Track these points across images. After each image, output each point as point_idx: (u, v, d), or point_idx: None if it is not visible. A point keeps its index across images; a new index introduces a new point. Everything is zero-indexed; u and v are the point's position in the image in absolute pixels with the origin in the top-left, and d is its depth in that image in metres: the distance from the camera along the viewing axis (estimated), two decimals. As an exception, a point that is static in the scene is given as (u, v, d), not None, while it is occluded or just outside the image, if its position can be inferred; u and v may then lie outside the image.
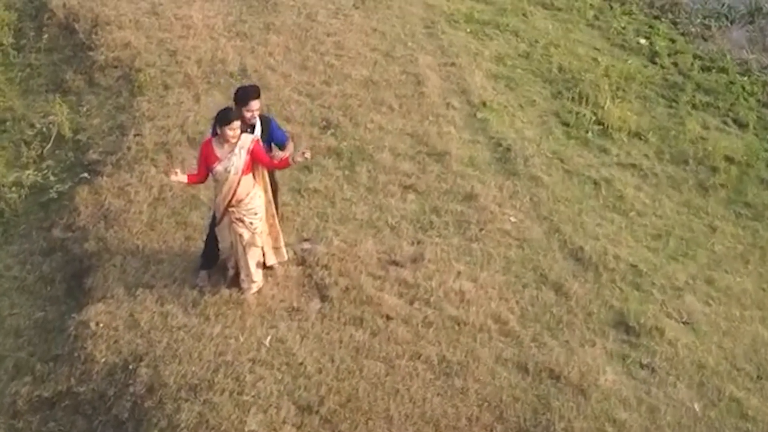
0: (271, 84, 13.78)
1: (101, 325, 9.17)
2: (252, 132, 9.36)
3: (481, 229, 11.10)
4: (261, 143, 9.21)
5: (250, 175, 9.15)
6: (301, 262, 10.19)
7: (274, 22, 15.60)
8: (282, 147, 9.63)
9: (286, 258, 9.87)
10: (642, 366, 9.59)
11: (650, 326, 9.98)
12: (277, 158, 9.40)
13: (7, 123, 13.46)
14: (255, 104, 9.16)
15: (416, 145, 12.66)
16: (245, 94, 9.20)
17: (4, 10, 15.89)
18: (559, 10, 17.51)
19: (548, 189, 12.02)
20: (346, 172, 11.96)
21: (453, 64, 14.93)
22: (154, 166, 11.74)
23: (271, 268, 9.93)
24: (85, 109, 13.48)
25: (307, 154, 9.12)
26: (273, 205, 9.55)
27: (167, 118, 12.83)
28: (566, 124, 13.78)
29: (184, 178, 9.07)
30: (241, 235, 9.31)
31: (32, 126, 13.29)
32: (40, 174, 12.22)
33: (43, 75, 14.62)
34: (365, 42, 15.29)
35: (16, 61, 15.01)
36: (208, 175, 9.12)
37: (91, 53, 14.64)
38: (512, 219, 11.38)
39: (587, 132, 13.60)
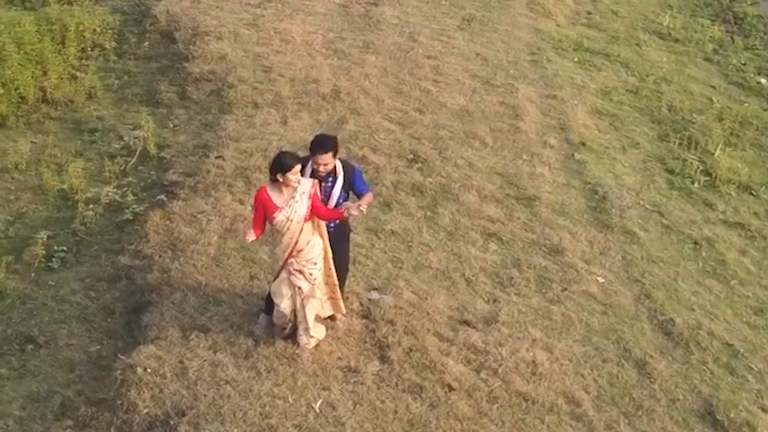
0: (363, 108, 12.99)
1: (148, 370, 8.49)
2: (334, 181, 8.50)
3: (564, 290, 10.03)
4: (318, 189, 8.36)
5: (310, 222, 8.33)
6: (366, 314, 9.33)
7: (374, 41, 14.81)
8: (360, 198, 8.68)
9: (343, 310, 9.02)
10: (727, 471, 8.42)
11: (741, 421, 8.73)
12: (341, 208, 8.48)
13: (97, 133, 13.01)
14: (323, 158, 8.26)
15: (505, 187, 11.66)
16: (316, 146, 8.32)
17: (111, 14, 15.51)
18: (676, 41, 16.21)
19: (643, 247, 10.86)
20: (428, 213, 11.05)
21: (555, 97, 13.85)
22: (231, 192, 11.07)
23: (333, 319, 9.10)
24: (172, 125, 12.95)
25: (363, 208, 8.25)
26: (330, 254, 8.68)
27: (252, 140, 12.16)
28: (670, 172, 12.57)
29: (254, 236, 8.31)
30: (300, 288, 8.51)
31: (120, 138, 12.81)
32: (119, 191, 11.68)
33: (138, 84, 14.19)
34: (465, 67, 14.35)
35: (116, 66, 14.64)
36: (265, 226, 8.33)
37: (186, 64, 14.15)
38: (600, 279, 10.27)
39: (693, 182, 12.35)
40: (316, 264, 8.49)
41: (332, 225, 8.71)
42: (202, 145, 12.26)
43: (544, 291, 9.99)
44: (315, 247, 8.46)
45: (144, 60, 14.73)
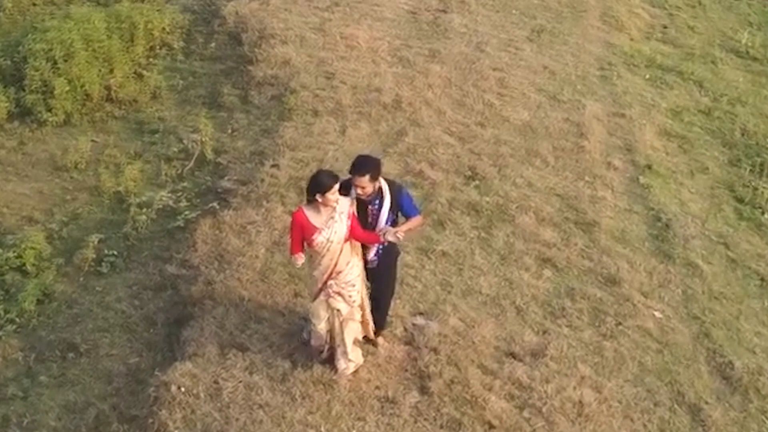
0: (423, 120, 12.51)
1: (182, 389, 8.18)
2: (381, 203, 8.02)
3: (618, 324, 9.42)
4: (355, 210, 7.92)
5: (348, 242, 7.91)
6: (409, 340, 8.86)
7: (440, 50, 14.30)
8: (408, 220, 8.20)
9: (371, 333, 8.53)
10: None
11: (799, 480, 8.08)
12: (380, 232, 8.01)
13: (157, 135, 12.78)
14: (359, 180, 7.76)
15: (564, 210, 11.06)
16: (354, 167, 7.84)
17: (181, 12, 15.27)
18: (755, 59, 15.33)
19: (705, 281, 10.17)
20: (482, 234, 10.52)
21: (623, 115, 13.17)
22: (282, 203, 10.70)
23: (374, 345, 8.68)
24: (231, 129, 12.65)
25: (400, 235, 7.85)
26: (363, 275, 8.24)
27: (308, 149, 11.78)
28: (740, 200, 11.80)
29: (302, 257, 7.91)
30: (338, 311, 8.10)
31: (180, 141, 12.57)
32: (173, 196, 11.42)
33: (203, 85, 13.93)
34: (531, 81, 13.74)
35: (182, 66, 14.40)
36: (303, 248, 7.93)
37: (251, 68, 13.84)
38: (657, 314, 9.64)
39: (763, 213, 11.59)
40: (354, 285, 8.08)
41: (381, 246, 8.24)
42: (259, 152, 11.93)
43: (597, 324, 9.40)
44: (354, 268, 8.05)
45: (210, 61, 14.46)
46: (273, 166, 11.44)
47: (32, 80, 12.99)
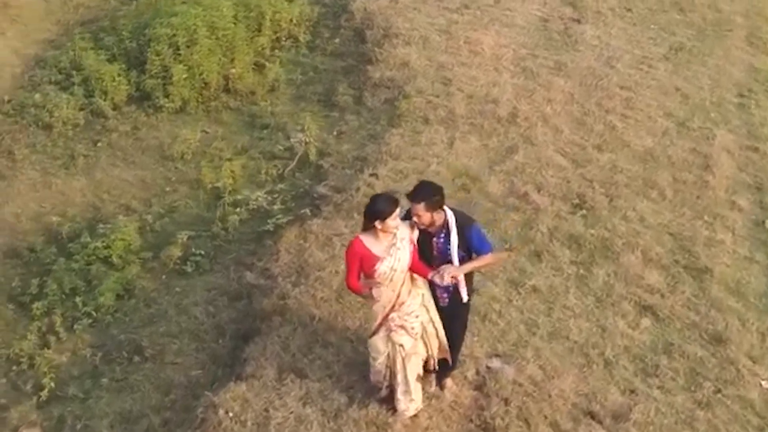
0: (537, 138, 11.40)
1: (230, 414, 7.52)
2: (447, 236, 7.09)
3: (717, 391, 8.15)
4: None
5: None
6: (480, 385, 7.91)
7: (566, 63, 13.08)
8: (479, 257, 7.24)
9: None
10: None
11: None
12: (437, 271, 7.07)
13: (266, 131, 12.16)
14: (414, 207, 6.88)
15: (676, 251, 9.78)
16: (412, 192, 6.93)
17: (310, 5, 14.59)
18: None
19: (826, 350, 8.72)
20: (581, 271, 9.40)
21: (756, 149, 11.66)
22: (374, 217, 9.82)
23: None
24: (338, 131, 11.89)
25: (447, 280, 6.94)
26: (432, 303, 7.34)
27: (411, 160, 10.91)
28: None
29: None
30: (402, 345, 7.22)
31: (287, 138, 11.90)
32: (269, 198, 10.77)
33: (321, 82, 13.20)
34: (660, 103, 12.35)
35: (304, 60, 13.73)
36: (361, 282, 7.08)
37: (369, 68, 13.03)
38: (764, 384, 8.30)
39: None
40: (417, 316, 7.22)
41: (451, 285, 7.28)
42: (362, 158, 11.13)
43: (692, 389, 8.16)
44: (416, 298, 7.19)
45: (332, 57, 13.72)
46: (372, 175, 10.63)
47: (153, 65, 12.61)
